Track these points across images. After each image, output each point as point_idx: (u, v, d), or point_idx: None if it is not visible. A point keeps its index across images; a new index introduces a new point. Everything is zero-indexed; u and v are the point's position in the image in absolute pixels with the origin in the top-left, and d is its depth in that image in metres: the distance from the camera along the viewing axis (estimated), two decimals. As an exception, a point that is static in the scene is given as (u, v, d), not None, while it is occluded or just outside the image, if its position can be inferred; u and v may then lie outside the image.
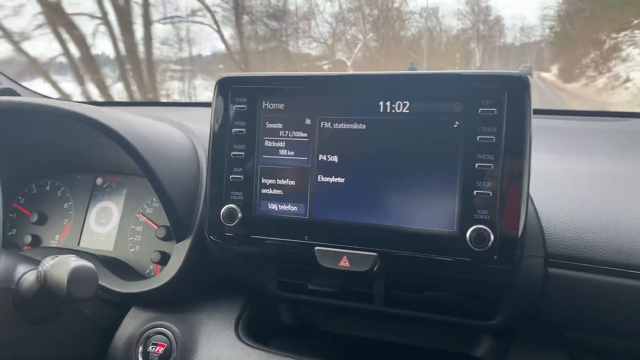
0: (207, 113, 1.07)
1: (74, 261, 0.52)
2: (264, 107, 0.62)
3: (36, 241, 0.88)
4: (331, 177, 0.60)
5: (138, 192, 0.85)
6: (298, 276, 0.70)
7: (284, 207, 0.62)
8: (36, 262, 0.60)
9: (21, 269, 0.58)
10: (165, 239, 0.80)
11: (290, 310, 0.77)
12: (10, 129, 0.77)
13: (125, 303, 0.74)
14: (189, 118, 0.88)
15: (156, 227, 0.81)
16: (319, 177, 0.60)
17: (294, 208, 0.61)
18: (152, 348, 0.67)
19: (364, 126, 0.59)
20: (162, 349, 0.67)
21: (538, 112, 1.05)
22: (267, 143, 0.62)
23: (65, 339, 0.65)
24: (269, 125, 0.62)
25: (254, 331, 0.71)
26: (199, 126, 0.82)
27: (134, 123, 0.69)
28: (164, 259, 0.78)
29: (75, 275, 0.51)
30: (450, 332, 0.75)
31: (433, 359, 0.74)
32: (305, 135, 0.61)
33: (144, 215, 0.84)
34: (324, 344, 0.70)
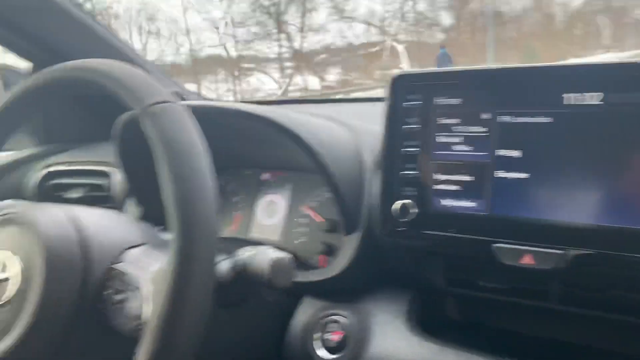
0: (363, 108, 1.10)
1: (273, 252, 0.56)
2: (438, 102, 0.62)
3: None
4: (512, 172, 0.58)
5: (303, 186, 0.90)
6: (467, 272, 0.69)
7: (460, 203, 0.61)
8: (222, 251, 0.66)
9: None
10: (330, 231, 0.83)
11: (458, 306, 0.77)
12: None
13: (298, 292, 0.78)
14: (346, 113, 0.91)
15: (322, 220, 0.85)
16: (498, 173, 0.59)
17: (472, 204, 0.61)
18: (328, 335, 0.71)
19: (550, 119, 0.56)
20: (338, 336, 0.70)
21: None
22: (442, 139, 0.62)
23: (250, 324, 0.71)
24: (444, 121, 0.62)
25: (422, 324, 0.71)
26: (358, 122, 0.84)
27: (309, 124, 0.73)
28: (329, 250, 0.82)
29: (276, 265, 0.55)
30: (633, 334, 0.70)
31: None
32: (483, 130, 0.60)
33: (310, 209, 0.88)
34: (492, 341, 0.69)
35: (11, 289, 0.51)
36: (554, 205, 0.56)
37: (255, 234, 0.92)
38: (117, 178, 1.01)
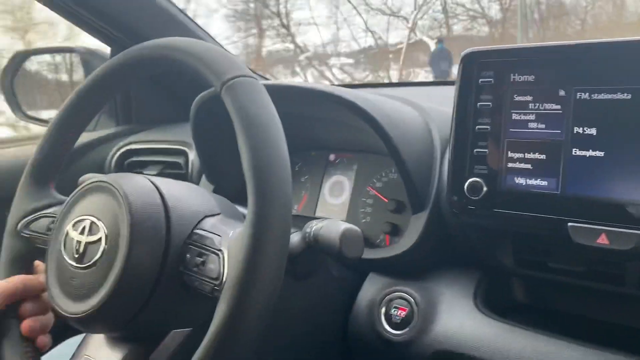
0: (434, 91, 1.10)
1: (344, 224, 0.57)
2: (512, 79, 0.62)
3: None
4: (588, 150, 0.57)
5: (368, 167, 0.91)
6: (538, 253, 0.69)
7: (532, 182, 0.61)
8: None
9: None
10: (396, 211, 0.84)
11: (525, 288, 0.77)
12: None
13: (363, 268, 0.80)
14: (415, 96, 0.91)
15: (386, 200, 0.86)
16: (573, 151, 0.58)
17: (544, 182, 0.60)
18: (394, 311, 0.72)
19: (629, 96, 0.55)
20: (404, 312, 0.71)
21: None
22: (515, 116, 0.62)
23: (318, 296, 0.73)
24: (518, 98, 0.62)
25: (489, 305, 0.71)
26: (429, 104, 0.84)
27: (381, 104, 0.74)
28: (395, 230, 0.83)
29: (347, 235, 0.56)
30: None
31: None
32: (559, 107, 0.59)
33: (374, 189, 0.89)
34: (560, 324, 0.68)
35: (98, 252, 0.54)
36: (630, 185, 0.55)
37: (321, 213, 0.94)
38: (192, 156, 1.05)
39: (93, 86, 0.65)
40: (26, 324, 0.63)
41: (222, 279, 0.50)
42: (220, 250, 0.52)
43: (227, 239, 0.53)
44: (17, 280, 0.64)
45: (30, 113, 1.33)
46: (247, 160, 0.49)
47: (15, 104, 1.30)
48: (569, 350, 0.60)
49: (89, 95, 0.66)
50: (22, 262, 0.67)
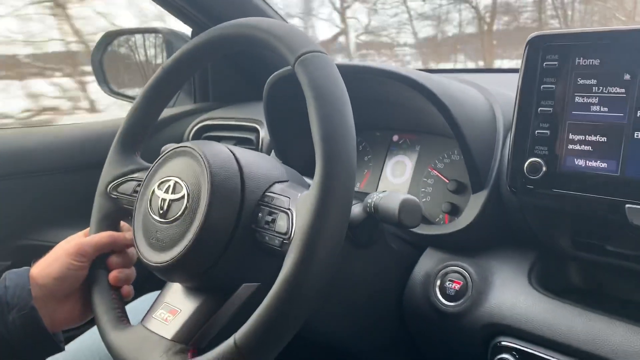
0: (501, 79, 1.11)
1: (403, 195, 0.61)
2: (576, 63, 0.63)
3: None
4: (650, 134, 0.58)
5: (430, 148, 0.94)
6: (595, 235, 0.70)
7: (592, 164, 0.62)
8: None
9: None
10: (456, 192, 0.87)
11: (580, 270, 0.78)
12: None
13: (421, 243, 0.83)
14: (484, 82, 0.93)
15: (447, 181, 0.89)
16: (635, 134, 0.59)
17: (604, 165, 0.61)
18: (449, 284, 0.75)
19: (696, 80, 0.55)
20: (458, 285, 0.74)
21: None
22: (578, 99, 0.63)
23: (376, 266, 0.77)
24: (582, 82, 0.63)
25: (543, 285, 0.73)
26: (496, 88, 0.86)
27: (447, 85, 0.77)
28: (454, 210, 0.86)
29: (406, 205, 0.60)
30: None
31: None
32: (623, 90, 0.60)
33: (435, 170, 0.92)
34: (614, 308, 0.69)
35: (180, 209, 0.60)
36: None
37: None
38: (263, 133, 1.12)
39: (179, 62, 0.72)
40: (113, 275, 0.71)
41: (291, 233, 0.55)
42: (289, 209, 0.57)
43: (295, 200, 0.58)
44: (107, 235, 0.72)
45: (115, 89, 1.44)
46: (317, 128, 0.53)
47: (102, 80, 1.41)
48: (620, 328, 0.62)
49: (175, 71, 0.72)
50: (110, 221, 0.75)
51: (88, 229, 0.75)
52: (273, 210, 0.59)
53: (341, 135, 0.53)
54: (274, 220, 0.58)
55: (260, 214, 0.60)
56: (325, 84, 0.55)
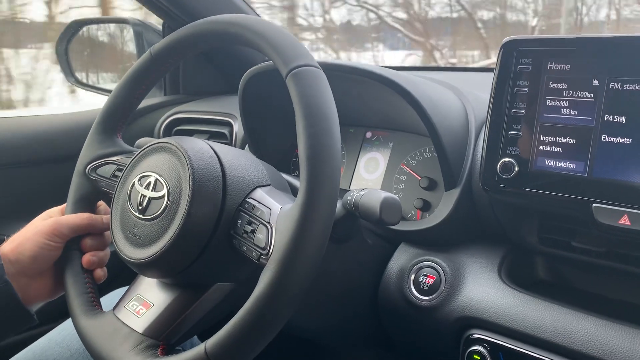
0: (473, 77, 1.13)
1: (384, 193, 0.63)
2: (548, 67, 0.66)
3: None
4: (617, 137, 0.61)
5: (403, 146, 0.96)
6: (562, 232, 0.73)
7: (561, 164, 0.65)
8: None
9: None
10: (428, 188, 0.89)
11: (547, 265, 0.81)
12: None
13: (396, 239, 0.85)
14: (454, 81, 0.95)
15: (419, 178, 0.91)
16: (602, 137, 0.62)
17: (572, 165, 0.65)
18: (423, 278, 0.77)
19: (659, 87, 0.59)
20: (432, 280, 0.77)
21: None
22: (549, 102, 0.66)
23: (353, 261, 0.79)
24: (553, 85, 0.66)
25: (513, 279, 0.76)
26: (468, 89, 0.89)
27: (422, 85, 0.78)
28: (426, 205, 0.88)
29: (387, 203, 0.61)
30: None
31: None
32: (591, 95, 0.63)
33: (408, 167, 0.94)
34: (580, 301, 0.72)
35: (160, 207, 0.60)
36: (655, 170, 0.59)
37: (355, 187, 1.00)
38: (237, 128, 1.11)
39: (166, 49, 0.70)
40: (86, 258, 0.70)
41: (269, 249, 0.55)
42: (269, 223, 0.57)
43: (276, 213, 0.57)
44: (85, 217, 0.71)
45: (81, 79, 1.40)
46: (304, 146, 0.53)
47: (68, 70, 1.38)
48: (586, 321, 0.65)
49: (161, 57, 0.71)
50: (87, 202, 0.74)
51: (65, 204, 0.74)
52: (253, 220, 0.58)
53: (327, 156, 0.53)
54: (253, 231, 0.57)
55: (239, 221, 0.59)
56: (316, 103, 0.54)
